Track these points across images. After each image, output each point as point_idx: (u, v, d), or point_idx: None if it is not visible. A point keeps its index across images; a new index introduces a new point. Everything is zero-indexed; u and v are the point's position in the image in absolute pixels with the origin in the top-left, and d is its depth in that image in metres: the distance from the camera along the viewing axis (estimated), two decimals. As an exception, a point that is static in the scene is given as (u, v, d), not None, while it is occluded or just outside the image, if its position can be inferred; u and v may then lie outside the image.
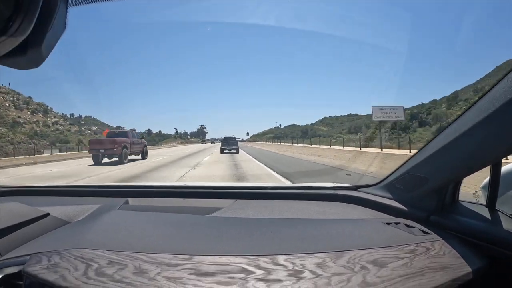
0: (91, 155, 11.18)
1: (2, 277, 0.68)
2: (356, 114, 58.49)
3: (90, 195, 1.22)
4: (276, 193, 1.20)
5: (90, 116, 65.65)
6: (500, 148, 0.67)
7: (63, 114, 56.12)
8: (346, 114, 61.64)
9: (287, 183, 5.36)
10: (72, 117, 63.06)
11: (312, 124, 66.16)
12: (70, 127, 53.26)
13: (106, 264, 0.61)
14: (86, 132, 56.66)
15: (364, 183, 1.13)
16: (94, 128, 60.33)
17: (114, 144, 10.83)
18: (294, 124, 69.60)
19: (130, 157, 11.76)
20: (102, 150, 10.85)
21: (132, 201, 1.13)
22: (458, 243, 0.72)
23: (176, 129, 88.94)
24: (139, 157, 12.88)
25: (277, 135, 60.88)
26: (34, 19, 0.33)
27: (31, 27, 0.33)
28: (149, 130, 70.99)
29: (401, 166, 0.96)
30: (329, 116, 64.74)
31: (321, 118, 65.74)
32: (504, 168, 0.77)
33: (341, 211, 1.00)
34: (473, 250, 0.69)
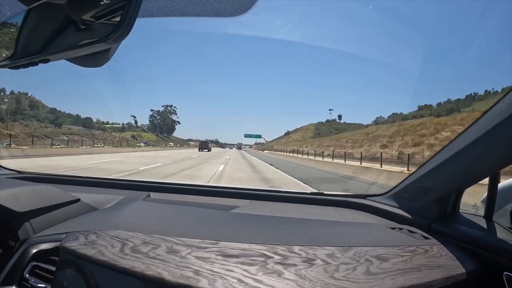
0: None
1: (37, 251, 0.74)
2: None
3: (115, 187, 1.31)
4: (290, 197, 1.24)
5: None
6: (495, 162, 0.75)
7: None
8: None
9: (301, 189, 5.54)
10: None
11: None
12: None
13: (140, 243, 0.66)
14: None
15: (372, 193, 1.19)
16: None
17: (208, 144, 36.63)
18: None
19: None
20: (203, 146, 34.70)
21: (153, 195, 1.21)
22: (455, 248, 0.78)
23: (134, 116, 68.65)
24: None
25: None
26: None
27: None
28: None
29: (407, 177, 1.03)
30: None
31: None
32: (503, 183, 0.81)
33: (350, 216, 1.06)
34: (469, 255, 0.75)
